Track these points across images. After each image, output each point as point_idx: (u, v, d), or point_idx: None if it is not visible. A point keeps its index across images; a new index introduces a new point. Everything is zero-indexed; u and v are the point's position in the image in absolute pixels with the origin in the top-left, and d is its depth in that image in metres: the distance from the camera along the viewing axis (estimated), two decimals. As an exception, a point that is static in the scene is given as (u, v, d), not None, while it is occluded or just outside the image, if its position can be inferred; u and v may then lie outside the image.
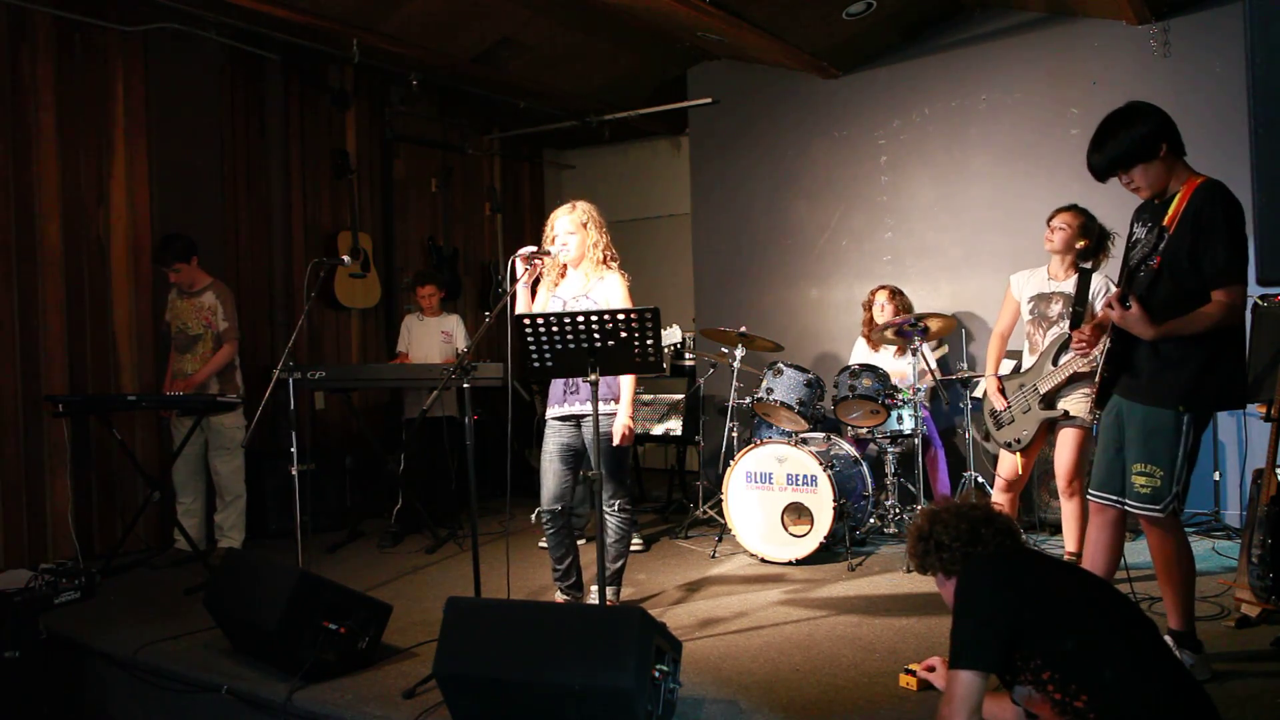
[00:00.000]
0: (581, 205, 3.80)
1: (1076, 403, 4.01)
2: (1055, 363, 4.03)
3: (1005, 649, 2.10)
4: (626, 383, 3.70)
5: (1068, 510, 4.10)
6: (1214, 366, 2.79)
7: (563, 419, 3.77)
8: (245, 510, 5.18)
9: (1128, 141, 2.80)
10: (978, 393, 4.54)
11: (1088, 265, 4.06)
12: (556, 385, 3.78)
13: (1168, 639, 2.90)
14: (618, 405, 3.70)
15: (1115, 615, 2.13)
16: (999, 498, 4.25)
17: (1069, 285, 4.09)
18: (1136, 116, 2.82)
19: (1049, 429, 4.10)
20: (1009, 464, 4.20)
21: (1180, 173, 2.84)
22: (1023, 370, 4.21)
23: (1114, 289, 4.03)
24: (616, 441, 3.65)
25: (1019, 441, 4.12)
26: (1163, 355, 2.82)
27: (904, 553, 4.65)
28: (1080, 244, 4.08)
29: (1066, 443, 4.04)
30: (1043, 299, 4.18)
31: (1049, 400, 4.04)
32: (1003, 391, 4.22)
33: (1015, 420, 4.15)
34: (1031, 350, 4.20)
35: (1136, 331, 2.78)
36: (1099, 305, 4.00)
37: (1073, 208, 4.13)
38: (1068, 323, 4.03)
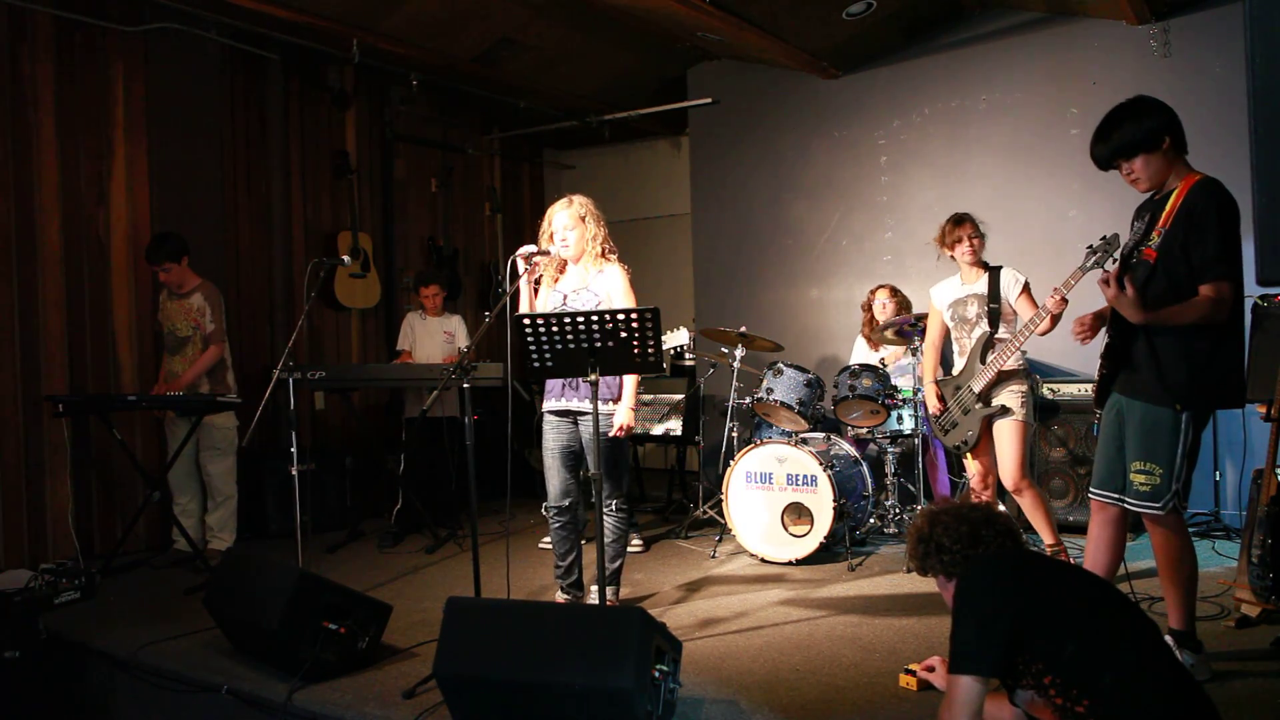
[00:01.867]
0: (578, 199, 3.80)
1: (1009, 398, 4.09)
2: (983, 361, 4.10)
3: (1006, 653, 2.09)
4: (629, 380, 3.71)
5: (1026, 505, 4.12)
6: (1211, 365, 2.80)
7: (560, 414, 3.77)
8: (236, 511, 5.17)
9: (1134, 131, 2.84)
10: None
11: (997, 265, 4.21)
12: (555, 380, 3.78)
13: (1168, 639, 2.90)
14: (616, 405, 3.70)
15: (1117, 618, 2.12)
16: (980, 498, 4.28)
17: (980, 286, 4.22)
18: (1144, 108, 2.86)
19: (991, 426, 4.16)
20: (972, 469, 4.27)
21: (1180, 170, 2.87)
22: (955, 373, 4.27)
23: (1022, 279, 4.12)
24: (614, 434, 3.65)
25: (966, 443, 4.19)
26: (1160, 353, 2.83)
27: (904, 553, 4.65)
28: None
29: (1005, 437, 4.07)
30: (959, 303, 4.28)
31: (985, 398, 4.10)
32: (941, 398, 4.28)
33: (959, 423, 4.20)
34: (961, 353, 4.29)
35: (1126, 313, 2.79)
36: (1013, 298, 4.11)
37: (970, 218, 4.26)
38: (986, 321, 4.10)
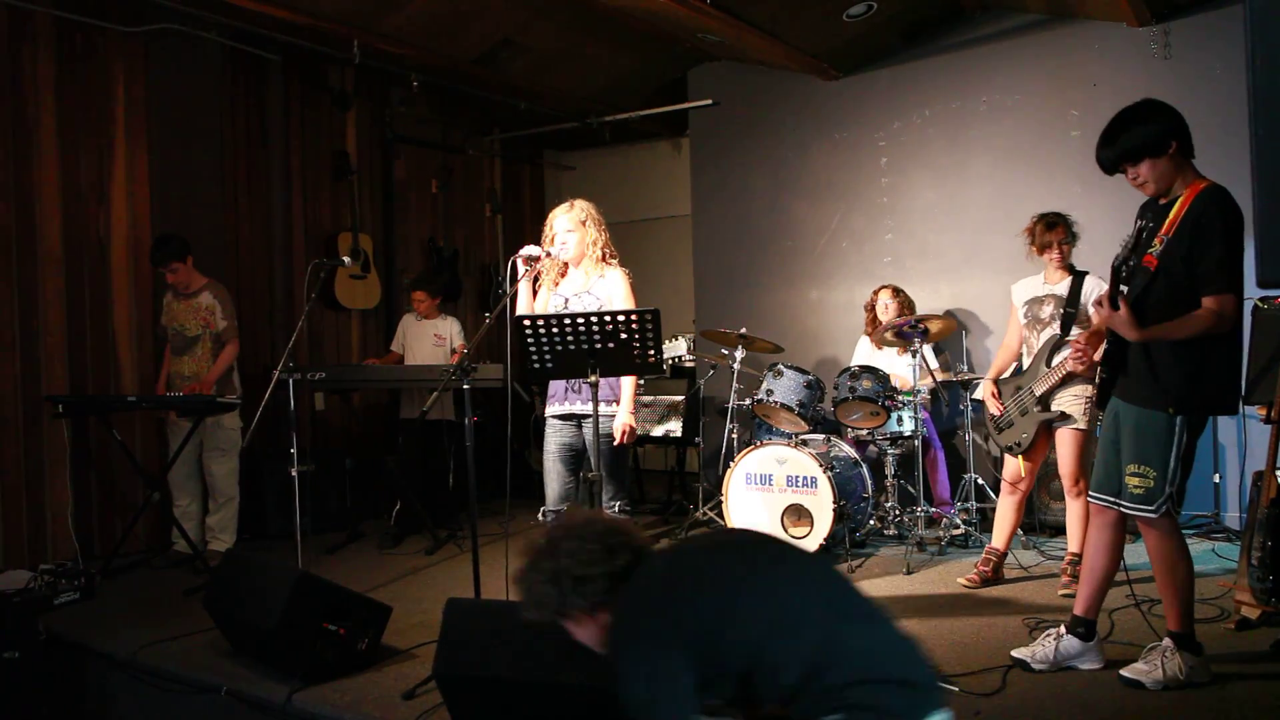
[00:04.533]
0: (579, 203, 3.81)
1: (1071, 403, 4.03)
2: (1049, 364, 4.05)
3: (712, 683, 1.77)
4: (628, 382, 3.71)
5: (1072, 510, 4.11)
6: (1205, 371, 2.80)
7: (563, 418, 3.77)
8: (238, 513, 5.17)
9: (1141, 135, 2.82)
10: (978, 394, 4.56)
11: (1083, 270, 4.12)
12: (558, 383, 3.78)
13: (1168, 641, 2.90)
14: (618, 406, 3.70)
15: (807, 586, 1.86)
16: (1004, 501, 4.26)
17: (1061, 288, 4.14)
18: (1151, 112, 2.85)
19: (1048, 430, 4.11)
20: (1012, 468, 4.22)
21: (1186, 175, 2.86)
22: (1021, 373, 4.22)
23: (1104, 288, 4.05)
24: (618, 440, 3.65)
25: (1019, 445, 4.13)
26: (1155, 358, 2.83)
27: (905, 554, 4.65)
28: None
29: (1065, 444, 4.06)
30: (1035, 302, 4.22)
31: (1045, 401, 4.06)
32: (999, 396, 4.24)
33: (1014, 423, 4.16)
34: (1029, 353, 4.23)
35: (1122, 332, 2.80)
36: (1091, 306, 4.03)
37: (1064, 221, 4.15)
38: (1058, 324, 4.06)
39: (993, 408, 4.25)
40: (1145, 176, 2.86)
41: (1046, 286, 4.20)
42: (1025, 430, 4.12)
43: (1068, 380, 4.01)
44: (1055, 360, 4.02)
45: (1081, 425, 4.01)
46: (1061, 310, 4.08)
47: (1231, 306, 2.73)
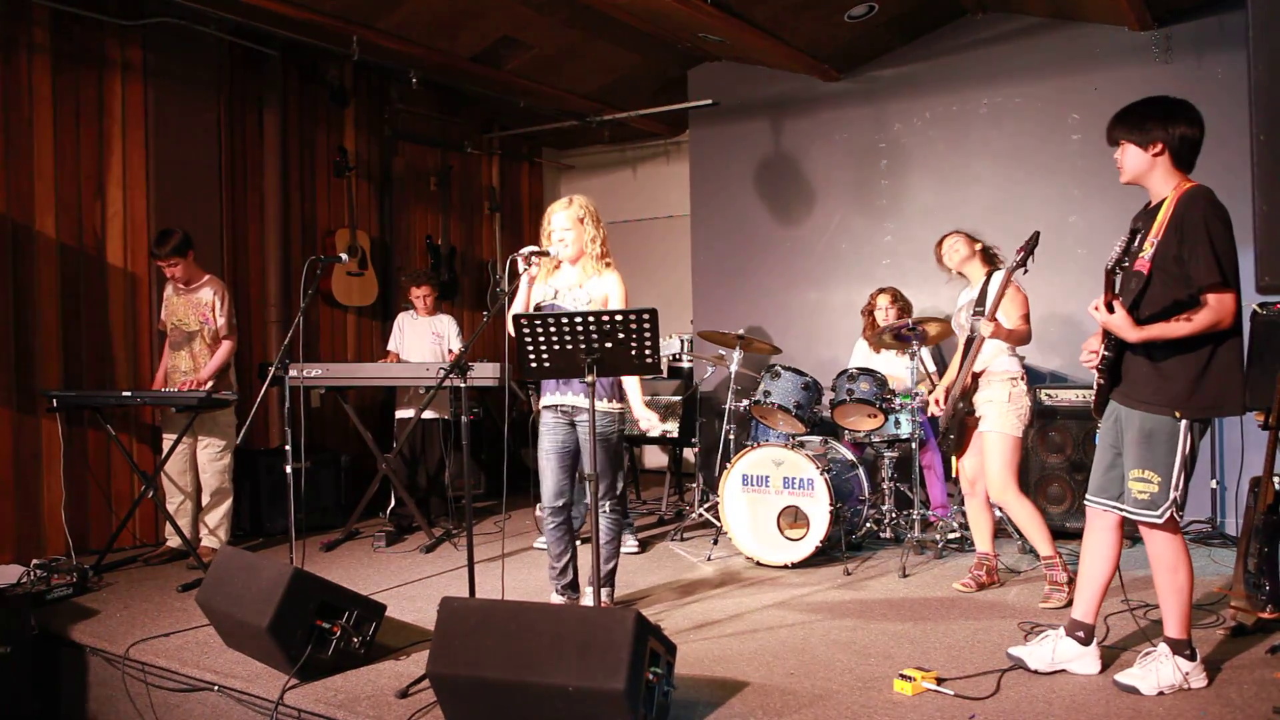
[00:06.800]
0: (578, 200, 3.80)
1: (986, 406, 4.06)
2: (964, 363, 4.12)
3: None
4: (632, 385, 3.71)
5: (1013, 518, 4.15)
6: (1210, 373, 2.80)
7: (557, 412, 3.76)
8: (232, 510, 5.14)
9: (1134, 123, 2.89)
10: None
11: (997, 268, 4.22)
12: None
13: (1164, 645, 2.90)
14: (610, 404, 3.71)
15: None
16: (970, 505, 4.28)
17: (975, 290, 4.23)
18: (1162, 110, 2.90)
19: (974, 429, 4.16)
20: (963, 470, 4.27)
21: (1172, 179, 2.88)
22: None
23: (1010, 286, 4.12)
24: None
25: (949, 445, 4.18)
26: (1159, 362, 2.83)
27: (901, 557, 4.65)
28: (978, 247, 4.29)
29: (984, 450, 4.07)
30: (959, 312, 4.30)
31: (967, 398, 4.11)
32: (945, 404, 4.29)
33: (949, 425, 4.19)
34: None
35: (1121, 335, 2.80)
36: (989, 296, 4.08)
37: (955, 231, 4.35)
38: (970, 325, 4.12)
39: (932, 411, 4.32)
40: (1122, 162, 2.95)
41: (967, 293, 4.31)
42: (954, 431, 4.16)
43: (984, 382, 4.08)
44: (968, 359, 4.07)
45: (996, 428, 4.01)
46: (974, 311, 4.15)
47: (1230, 302, 2.74)
